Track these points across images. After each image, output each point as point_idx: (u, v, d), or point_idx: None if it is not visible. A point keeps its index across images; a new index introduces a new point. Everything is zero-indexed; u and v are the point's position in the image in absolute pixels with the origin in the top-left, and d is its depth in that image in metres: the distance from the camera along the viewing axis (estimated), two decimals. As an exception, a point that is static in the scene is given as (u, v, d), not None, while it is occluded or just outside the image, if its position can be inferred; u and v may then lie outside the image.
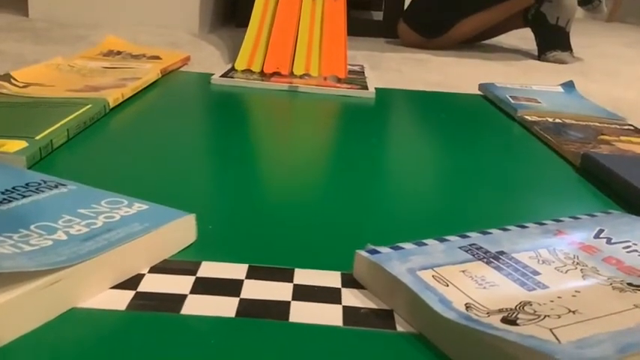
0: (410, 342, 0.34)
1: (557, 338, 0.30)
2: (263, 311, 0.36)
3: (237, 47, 1.30)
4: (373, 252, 0.40)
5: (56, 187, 0.45)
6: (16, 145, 0.56)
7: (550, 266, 0.39)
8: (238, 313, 0.35)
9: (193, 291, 0.37)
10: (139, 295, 0.36)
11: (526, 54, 1.59)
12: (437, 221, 0.51)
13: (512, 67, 1.39)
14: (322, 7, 1.17)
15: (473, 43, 1.66)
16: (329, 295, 0.38)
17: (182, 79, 1.00)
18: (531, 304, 0.34)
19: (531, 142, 0.77)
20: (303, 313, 0.36)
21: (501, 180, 0.62)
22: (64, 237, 0.37)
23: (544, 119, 0.84)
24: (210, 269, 0.40)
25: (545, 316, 0.33)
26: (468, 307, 0.34)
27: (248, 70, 1.05)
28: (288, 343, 0.33)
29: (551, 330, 0.31)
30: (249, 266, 0.41)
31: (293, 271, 0.41)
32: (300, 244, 0.45)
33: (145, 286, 0.37)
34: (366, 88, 1.00)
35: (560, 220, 0.48)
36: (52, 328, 0.33)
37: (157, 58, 1.05)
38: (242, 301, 0.37)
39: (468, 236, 0.43)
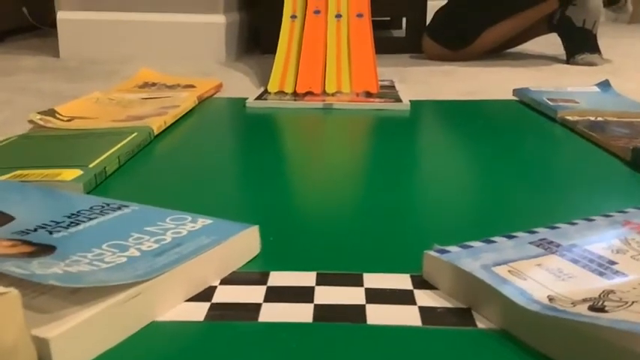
0: (493, 338, 0.33)
1: (651, 322, 0.29)
2: (340, 315, 0.36)
3: (265, 72, 1.32)
4: (442, 252, 0.39)
5: (119, 208, 0.46)
6: (71, 173, 0.57)
7: (625, 255, 0.39)
8: (315, 318, 0.35)
9: (267, 300, 0.37)
10: (215, 306, 0.36)
11: (553, 59, 1.58)
12: (497, 220, 0.51)
13: (542, 73, 1.38)
14: (347, 25, 1.18)
15: (498, 52, 1.65)
16: (402, 297, 0.38)
17: (218, 104, 1.01)
18: (615, 292, 0.34)
19: (576, 141, 0.76)
20: (379, 315, 0.36)
21: (554, 178, 0.62)
22: (137, 253, 0.37)
23: (585, 118, 0.83)
24: (279, 278, 0.40)
25: (632, 302, 0.32)
26: (550, 299, 0.33)
27: (281, 92, 1.06)
28: (370, 345, 0.33)
29: (643, 314, 0.30)
30: (317, 273, 0.41)
31: (362, 275, 0.40)
32: (363, 249, 0.45)
33: (219, 297, 0.37)
34: (399, 101, 1.00)
35: (625, 211, 0.47)
36: (135, 342, 0.33)
37: (192, 86, 1.07)
38: (317, 307, 0.36)
39: (536, 232, 0.42)
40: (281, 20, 1.20)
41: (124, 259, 0.37)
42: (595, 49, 1.47)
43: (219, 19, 1.56)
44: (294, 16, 1.22)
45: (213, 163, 0.68)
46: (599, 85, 1.06)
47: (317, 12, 1.21)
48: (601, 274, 0.36)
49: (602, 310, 0.31)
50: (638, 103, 0.94)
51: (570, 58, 1.50)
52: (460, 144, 0.77)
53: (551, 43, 1.72)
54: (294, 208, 0.53)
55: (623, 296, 0.33)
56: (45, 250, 0.38)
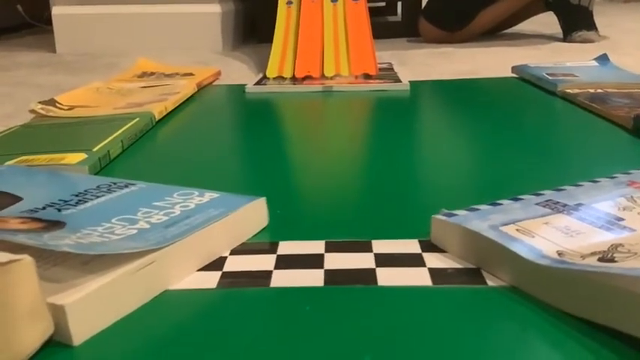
0: (504, 294, 0.34)
1: (661, 269, 0.29)
2: (350, 278, 0.36)
3: (263, 60, 1.32)
4: (450, 215, 0.40)
5: (126, 186, 0.46)
6: (76, 157, 0.57)
7: (632, 212, 0.39)
8: (326, 282, 0.35)
9: (277, 267, 0.37)
10: (227, 275, 0.37)
11: (550, 38, 1.58)
12: (502, 187, 0.51)
13: (540, 51, 1.38)
14: (344, 9, 1.18)
15: (495, 33, 1.65)
16: (412, 260, 0.38)
17: (217, 91, 1.01)
18: (623, 245, 0.34)
19: (578, 113, 0.76)
20: (390, 277, 0.36)
21: (558, 147, 0.62)
22: (147, 225, 0.38)
23: (585, 91, 0.84)
24: (289, 247, 0.40)
25: (641, 253, 0.32)
26: (560, 253, 0.34)
27: (280, 77, 1.06)
28: (383, 304, 0.33)
29: (653, 262, 0.30)
30: (326, 242, 0.41)
31: (370, 242, 0.41)
32: (370, 219, 0.45)
33: (229, 266, 0.38)
34: (398, 81, 1.00)
35: (629, 173, 0.47)
36: (149, 310, 0.33)
37: (190, 74, 1.07)
38: (327, 272, 0.37)
39: (542, 194, 0.43)
40: (277, 9, 1.20)
41: (135, 231, 0.37)
42: (592, 25, 1.47)
43: (215, 8, 1.56)
44: (289, 2, 1.22)
45: (216, 145, 0.68)
46: (597, 59, 1.06)
47: (312, -3, 1.21)
48: (608, 229, 0.36)
49: (611, 261, 0.31)
50: (636, 75, 0.94)
51: (567, 36, 1.49)
52: (462, 119, 0.77)
53: (547, 22, 1.72)
54: (300, 184, 0.53)
55: (631, 248, 0.33)
56: (55, 225, 0.38)
